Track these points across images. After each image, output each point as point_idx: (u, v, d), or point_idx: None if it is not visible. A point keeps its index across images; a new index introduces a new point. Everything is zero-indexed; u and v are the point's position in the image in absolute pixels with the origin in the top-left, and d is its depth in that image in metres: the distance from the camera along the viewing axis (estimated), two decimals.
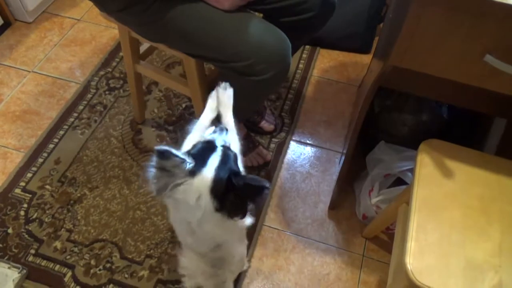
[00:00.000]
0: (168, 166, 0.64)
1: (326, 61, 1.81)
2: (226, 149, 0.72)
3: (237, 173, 0.70)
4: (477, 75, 0.80)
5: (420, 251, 0.81)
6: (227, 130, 0.76)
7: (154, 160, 0.64)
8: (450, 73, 0.82)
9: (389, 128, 1.36)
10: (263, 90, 1.13)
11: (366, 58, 1.81)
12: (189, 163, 0.65)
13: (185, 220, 0.74)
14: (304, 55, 1.81)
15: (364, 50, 1.83)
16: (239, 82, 1.08)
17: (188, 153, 0.68)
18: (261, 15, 1.24)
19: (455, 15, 0.73)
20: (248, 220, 0.85)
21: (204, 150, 0.68)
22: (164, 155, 0.63)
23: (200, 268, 0.88)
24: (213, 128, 0.76)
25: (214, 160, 0.67)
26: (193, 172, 0.65)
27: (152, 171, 0.65)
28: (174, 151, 0.64)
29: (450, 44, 0.77)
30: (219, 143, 0.72)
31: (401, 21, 0.79)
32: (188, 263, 0.90)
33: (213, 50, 1.05)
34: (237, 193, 0.67)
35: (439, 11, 0.73)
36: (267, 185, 0.68)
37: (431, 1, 0.72)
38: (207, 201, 0.66)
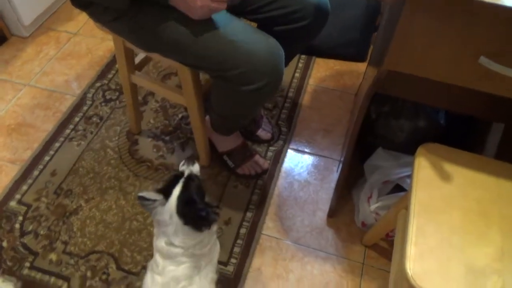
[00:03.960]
0: (146, 204, 0.90)
1: (322, 70, 1.81)
2: (190, 179, 0.92)
3: (188, 201, 0.89)
4: (473, 77, 0.79)
5: (420, 255, 0.80)
6: (194, 162, 0.96)
7: (137, 202, 0.91)
8: (445, 76, 0.82)
9: (386, 135, 1.36)
10: (257, 99, 1.12)
11: (362, 66, 1.82)
12: (159, 200, 0.89)
13: (163, 238, 0.92)
14: (300, 64, 1.82)
15: (360, 58, 1.84)
16: (233, 91, 1.08)
17: (160, 190, 0.92)
18: (255, 24, 1.25)
19: (447, 17, 0.73)
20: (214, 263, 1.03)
21: (172, 183, 0.92)
22: (140, 199, 0.89)
23: None
24: (184, 161, 0.97)
25: (177, 190, 0.90)
26: (163, 202, 0.90)
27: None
28: (147, 195, 0.89)
29: (444, 47, 0.77)
30: (186, 173, 0.93)
31: (394, 25, 0.79)
32: (148, 285, 0.97)
33: (204, 59, 1.04)
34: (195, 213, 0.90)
35: (431, 14, 0.73)
36: (203, 213, 0.88)
37: (422, 5, 0.72)
38: (176, 219, 0.89)
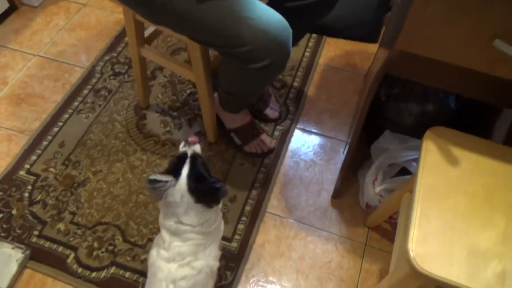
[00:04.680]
0: (157, 187, 0.89)
1: (332, 49, 1.79)
2: (194, 158, 0.93)
3: (200, 178, 0.91)
4: (486, 60, 0.78)
5: (423, 238, 0.80)
6: (195, 142, 0.97)
7: (148, 187, 0.91)
8: (458, 59, 0.81)
9: (394, 117, 1.35)
10: (264, 77, 1.11)
11: (373, 48, 1.79)
12: (170, 181, 0.89)
13: (172, 218, 0.93)
14: (310, 44, 1.79)
15: (372, 39, 1.81)
16: (240, 68, 1.08)
17: (167, 172, 0.92)
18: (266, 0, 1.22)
19: None
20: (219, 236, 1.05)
21: (178, 163, 0.92)
22: (152, 182, 0.88)
23: (163, 270, 0.95)
24: (183, 142, 0.97)
25: (185, 170, 0.91)
26: (174, 183, 0.90)
27: (150, 189, 0.92)
28: (158, 178, 0.88)
29: (458, 28, 0.75)
30: (189, 153, 0.94)
31: (409, 4, 0.77)
32: (154, 258, 0.97)
33: (210, 34, 1.03)
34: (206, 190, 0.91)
35: None
36: (218, 185, 0.89)
37: None
38: (188, 198, 0.90)
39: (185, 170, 0.91)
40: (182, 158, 0.93)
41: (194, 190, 0.89)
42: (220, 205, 0.99)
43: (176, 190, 0.90)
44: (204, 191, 0.90)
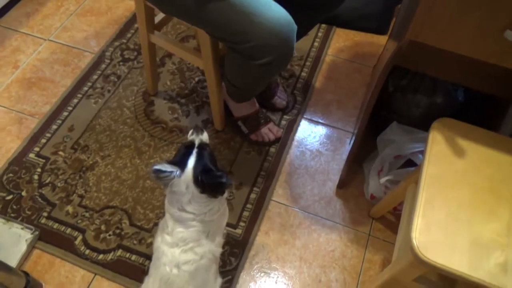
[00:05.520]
0: (162, 176, 0.89)
1: (341, 40, 1.79)
2: (201, 148, 0.94)
3: (206, 170, 0.91)
4: (496, 51, 0.78)
5: (426, 227, 0.81)
6: (202, 130, 0.97)
7: (152, 176, 0.91)
8: (468, 49, 0.81)
9: (402, 109, 1.35)
10: (266, 73, 1.12)
11: (382, 39, 1.79)
12: (175, 172, 0.89)
13: (176, 205, 0.94)
14: (319, 34, 1.79)
15: (381, 31, 1.81)
16: (243, 63, 1.08)
17: (173, 162, 0.92)
18: None
19: None
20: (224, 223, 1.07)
21: (184, 154, 0.93)
22: (157, 172, 0.88)
23: (167, 256, 0.96)
24: (192, 130, 0.98)
25: (191, 161, 0.91)
26: (179, 173, 0.90)
27: (154, 179, 0.92)
28: (163, 168, 0.88)
29: (469, 18, 0.75)
30: (197, 142, 0.95)
31: None
32: (158, 242, 0.99)
33: (216, 29, 1.04)
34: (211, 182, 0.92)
35: None
36: (223, 180, 0.89)
37: None
38: (193, 188, 0.91)
39: (191, 161, 0.91)
40: (189, 147, 0.94)
41: (200, 181, 0.90)
42: (225, 195, 0.99)
43: (181, 181, 0.90)
44: (210, 183, 0.90)
